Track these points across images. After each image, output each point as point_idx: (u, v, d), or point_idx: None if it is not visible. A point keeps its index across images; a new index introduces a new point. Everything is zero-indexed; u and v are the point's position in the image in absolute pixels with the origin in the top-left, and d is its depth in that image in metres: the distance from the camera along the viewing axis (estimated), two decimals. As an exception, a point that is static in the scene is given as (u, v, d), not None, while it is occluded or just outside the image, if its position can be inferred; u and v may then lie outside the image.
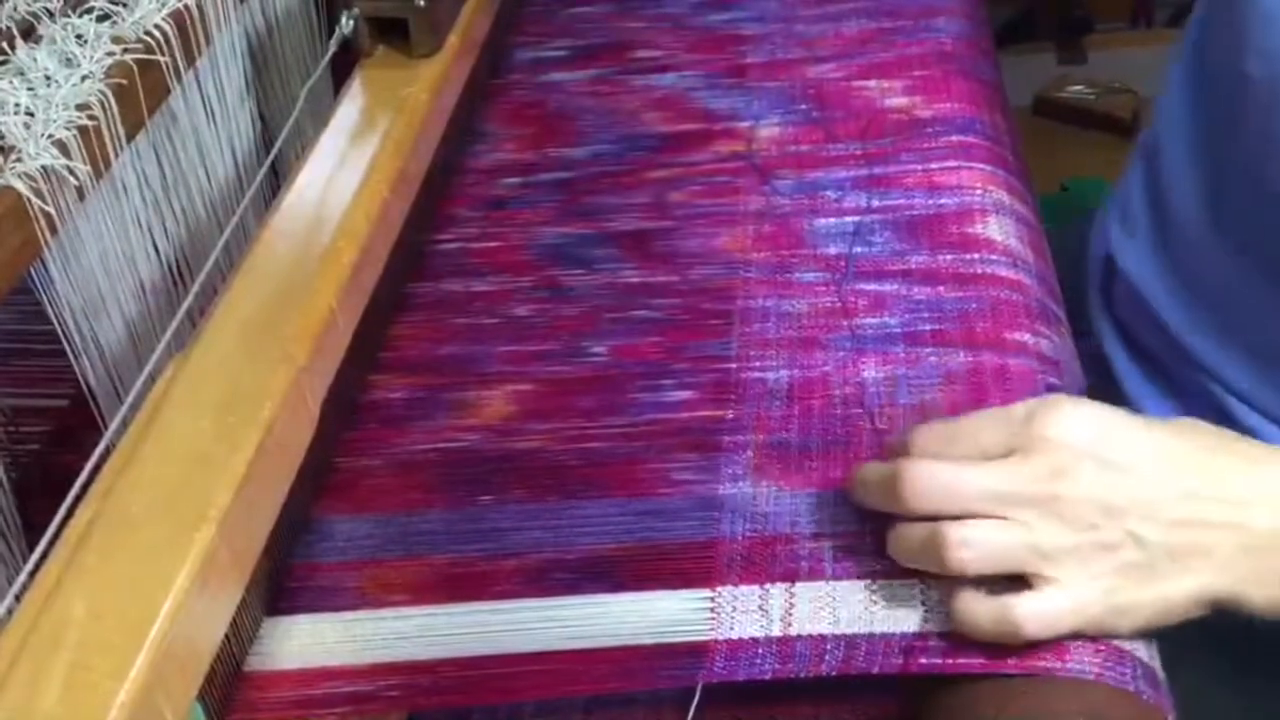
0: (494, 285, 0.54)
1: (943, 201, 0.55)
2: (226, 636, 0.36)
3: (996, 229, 0.54)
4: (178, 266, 0.48)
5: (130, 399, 0.37)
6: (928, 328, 0.49)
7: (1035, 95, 1.24)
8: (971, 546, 0.36)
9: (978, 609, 0.36)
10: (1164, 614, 0.37)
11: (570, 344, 0.50)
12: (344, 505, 0.45)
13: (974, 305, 0.49)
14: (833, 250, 0.54)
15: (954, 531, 0.36)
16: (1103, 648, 0.37)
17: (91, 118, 0.41)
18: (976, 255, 0.52)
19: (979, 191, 0.55)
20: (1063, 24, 1.30)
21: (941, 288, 0.50)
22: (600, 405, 0.47)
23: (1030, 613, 0.36)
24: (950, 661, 0.37)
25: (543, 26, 0.72)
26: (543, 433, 0.46)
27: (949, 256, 0.52)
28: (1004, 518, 0.36)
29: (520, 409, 0.48)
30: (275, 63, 0.57)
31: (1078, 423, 0.37)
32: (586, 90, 0.66)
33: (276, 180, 0.52)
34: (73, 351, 0.43)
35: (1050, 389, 0.46)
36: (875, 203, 0.56)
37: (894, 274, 0.52)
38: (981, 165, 0.57)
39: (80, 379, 0.44)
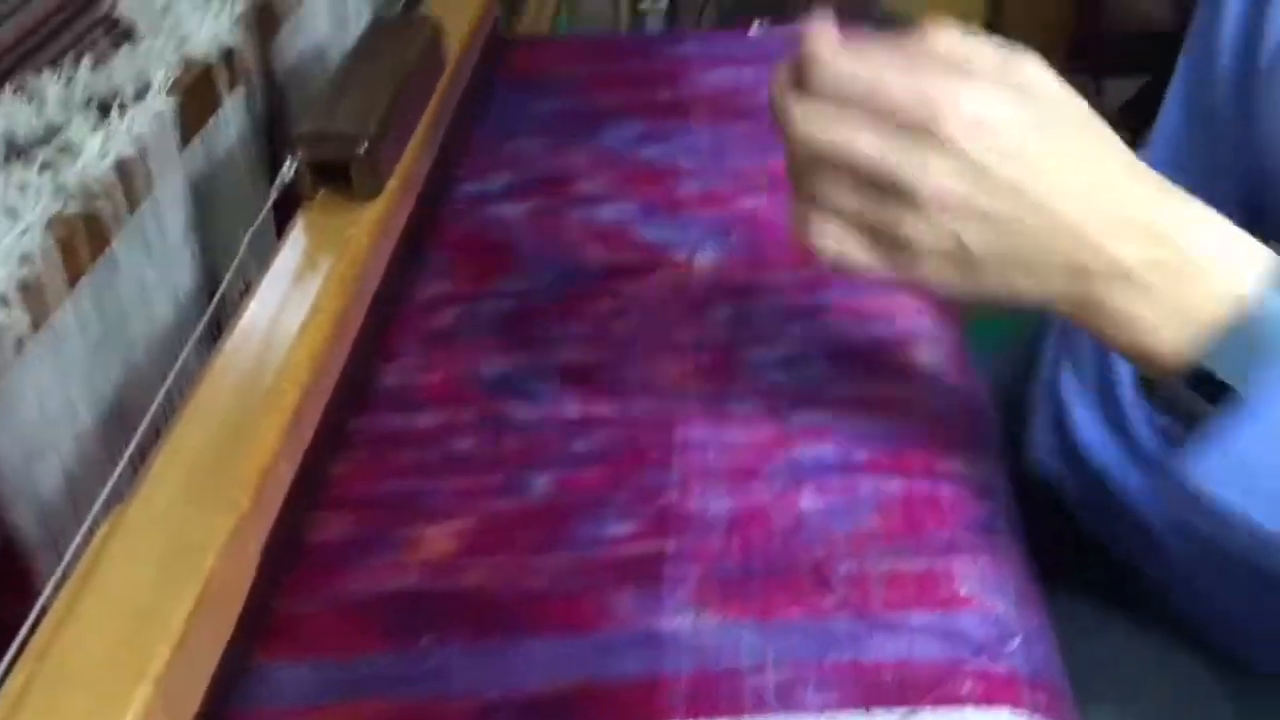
0: (436, 419, 0.55)
1: (874, 329, 0.57)
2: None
3: (927, 355, 0.55)
4: (118, 412, 0.48)
5: (70, 552, 0.37)
6: (863, 456, 0.50)
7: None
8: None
9: None
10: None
11: (513, 477, 0.51)
12: (283, 650, 0.44)
13: (907, 432, 0.51)
14: (769, 380, 0.55)
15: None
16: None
17: (33, 270, 0.42)
18: (908, 382, 0.54)
19: (909, 319, 0.57)
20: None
21: (875, 415, 0.52)
22: (543, 540, 0.48)
23: None
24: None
25: (483, 161, 0.74)
26: (485, 569, 0.46)
27: (881, 384, 0.54)
28: None
29: (462, 545, 0.48)
30: (216, 205, 0.58)
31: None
32: (527, 223, 0.68)
33: (218, 322, 0.53)
34: (7, 501, 0.43)
35: (981, 516, 0.47)
36: (809, 332, 0.57)
37: (828, 403, 0.53)
38: (911, 293, 0.59)
39: (14, 530, 0.43)
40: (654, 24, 1.52)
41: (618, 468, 0.51)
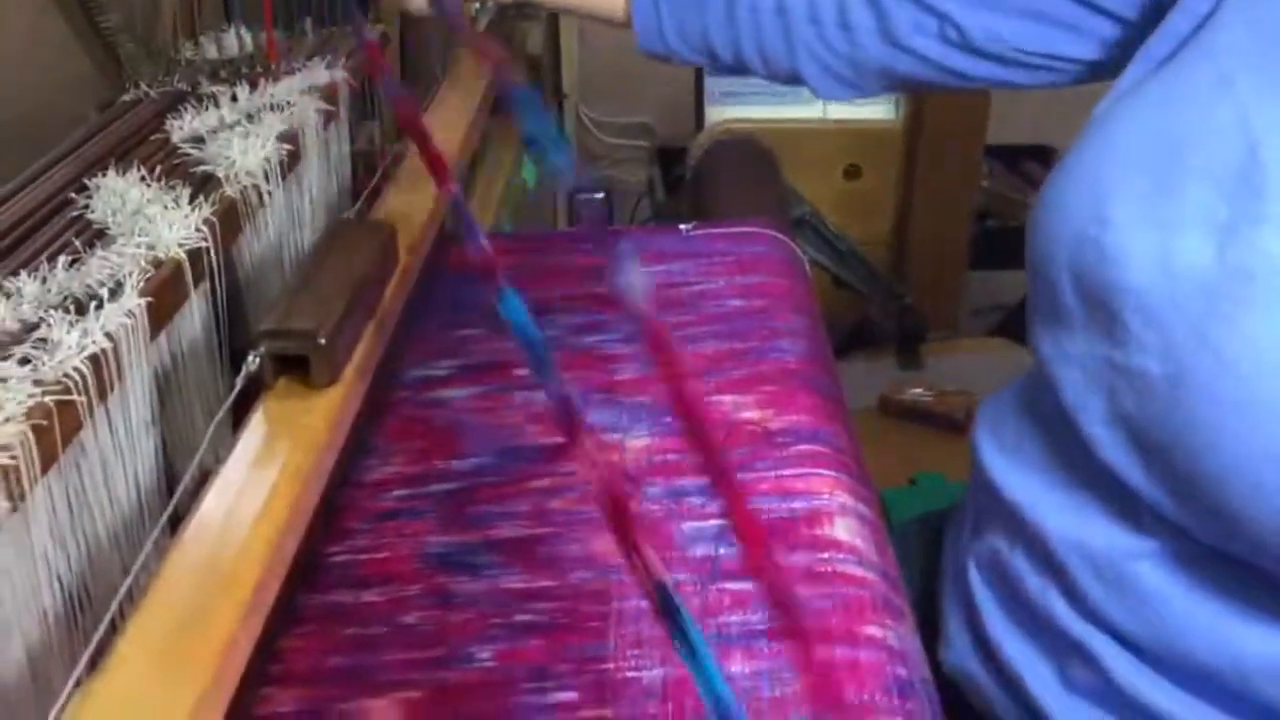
0: (382, 595, 0.57)
1: (794, 505, 0.61)
2: None
3: (843, 530, 0.60)
4: (80, 595, 0.50)
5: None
6: (785, 624, 0.53)
7: (880, 397, 1.37)
8: None
9: None
10: None
11: (457, 650, 0.53)
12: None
13: (827, 602, 0.54)
14: (699, 552, 0.59)
15: None
16: None
17: (12, 458, 0.45)
18: (826, 554, 0.58)
19: (826, 496, 0.62)
20: (899, 334, 1.45)
21: (797, 586, 0.56)
22: (487, 710, 0.50)
23: None
24: None
25: (429, 347, 0.78)
26: (432, 740, 0.49)
27: (802, 556, 0.58)
28: None
29: (410, 717, 0.50)
30: (179, 393, 0.62)
31: None
32: (470, 406, 0.72)
33: (176, 507, 0.56)
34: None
35: (898, 680, 0.50)
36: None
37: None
38: (827, 471, 0.64)
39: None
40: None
41: (559, 639, 0.54)
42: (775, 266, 0.85)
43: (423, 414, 0.72)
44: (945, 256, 1.55)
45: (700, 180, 1.33)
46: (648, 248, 0.90)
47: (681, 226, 0.91)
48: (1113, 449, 0.55)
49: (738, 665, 0.51)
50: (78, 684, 0.40)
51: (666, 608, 0.35)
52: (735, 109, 1.60)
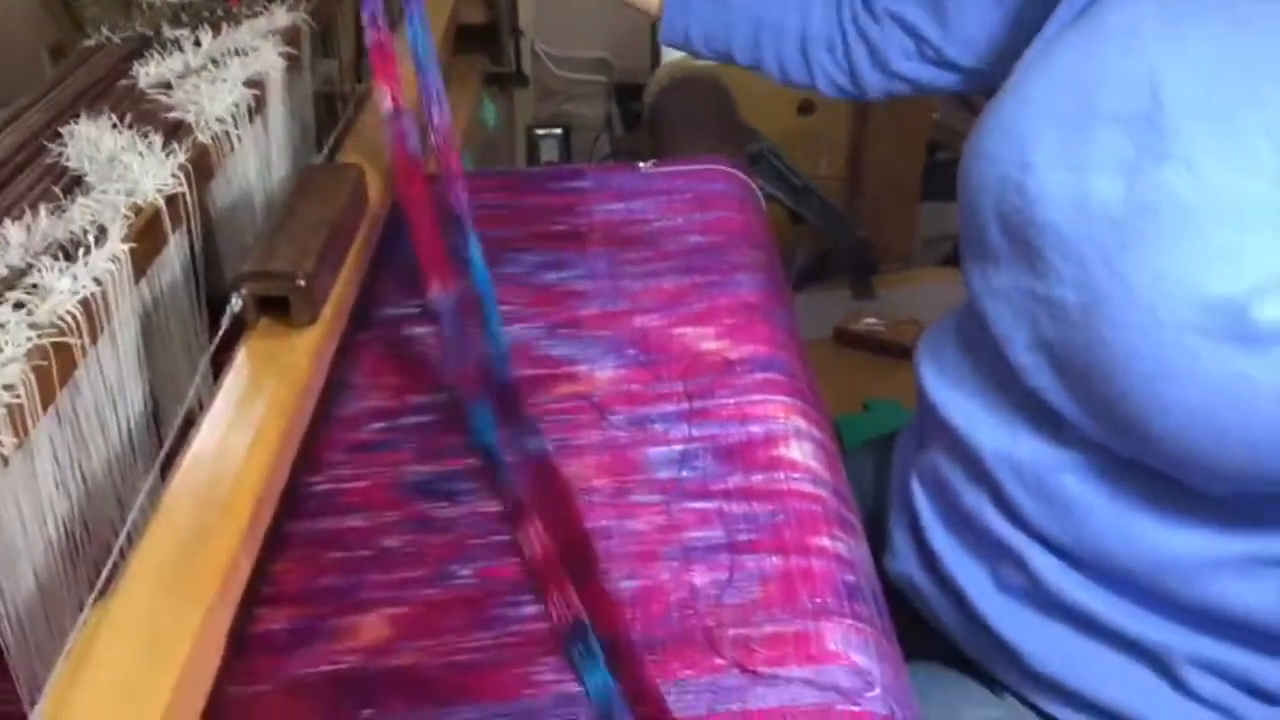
0: (364, 521, 0.61)
1: (752, 429, 0.65)
2: None
3: (797, 451, 0.64)
4: (81, 526, 0.53)
5: (67, 646, 0.42)
6: (744, 537, 0.58)
7: (835, 327, 1.41)
8: None
9: None
10: None
11: (438, 569, 0.57)
12: (234, 732, 0.49)
13: (781, 517, 0.59)
14: (663, 475, 0.63)
15: None
16: None
17: (16, 397, 0.47)
18: (781, 474, 0.62)
19: (781, 420, 0.66)
20: (853, 266, 1.49)
21: (754, 503, 0.60)
22: (467, 622, 0.54)
23: None
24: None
25: (400, 286, 0.81)
26: (417, 650, 0.53)
27: (759, 476, 0.62)
28: None
29: (395, 631, 0.54)
30: (161, 334, 0.64)
31: None
32: (439, 342, 0.75)
33: (160, 440, 0.59)
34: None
35: (848, 586, 0.55)
36: (696, 432, 0.65)
37: (715, 493, 0.61)
38: (782, 397, 0.68)
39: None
40: (549, 157, 1.63)
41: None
42: (732, 203, 0.88)
43: (395, 351, 0.75)
44: (898, 189, 1.58)
45: (658, 117, 1.35)
46: (608, 185, 0.92)
47: (640, 165, 0.94)
48: (1037, 374, 0.59)
49: (700, 577, 0.55)
50: (86, 607, 0.44)
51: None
52: (691, 45, 1.62)
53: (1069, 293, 0.57)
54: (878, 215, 1.59)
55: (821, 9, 0.82)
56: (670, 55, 1.43)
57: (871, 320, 1.39)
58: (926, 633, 0.70)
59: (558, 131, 1.68)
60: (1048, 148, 0.58)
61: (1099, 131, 0.57)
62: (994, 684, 0.68)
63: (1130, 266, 0.54)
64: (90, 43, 0.87)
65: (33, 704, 0.39)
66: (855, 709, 0.48)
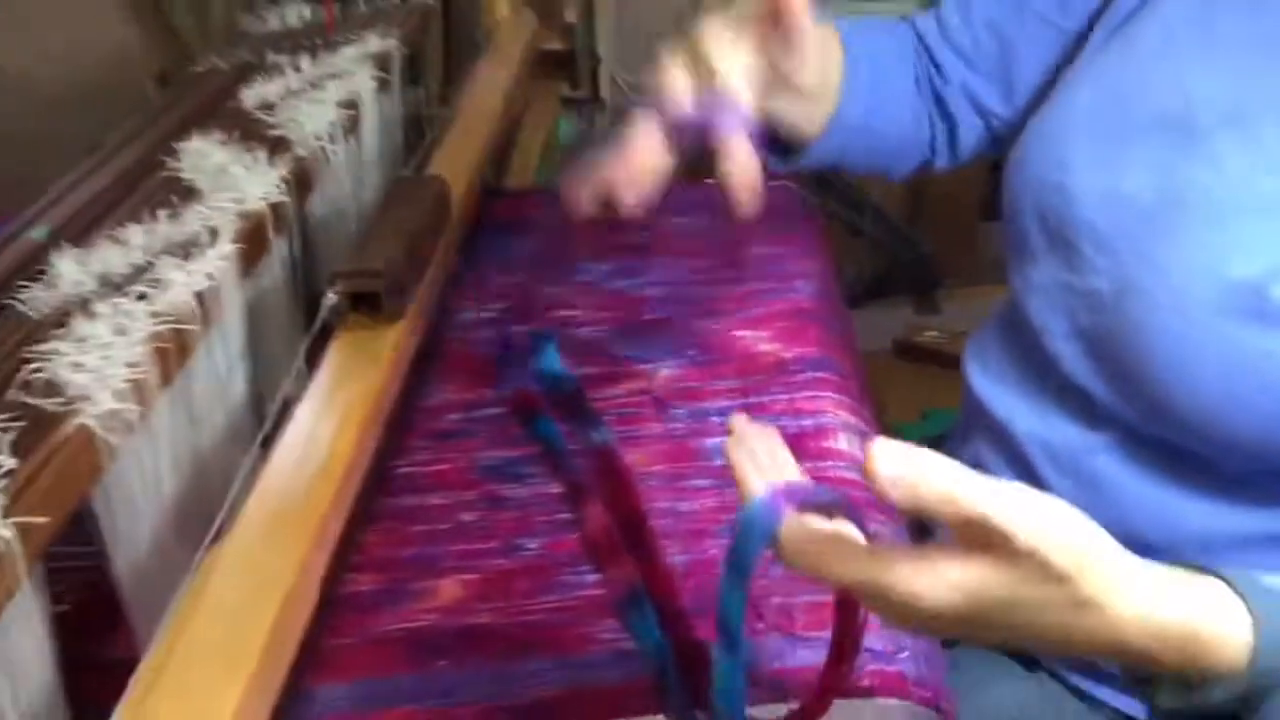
0: (443, 499, 0.66)
1: (803, 423, 0.70)
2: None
3: (844, 443, 0.68)
4: (191, 485, 0.60)
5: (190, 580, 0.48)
6: (791, 518, 0.62)
7: (894, 339, 1.44)
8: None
9: None
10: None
11: (508, 542, 0.62)
12: (327, 675, 0.55)
13: (827, 500, 0.63)
14: (718, 462, 0.67)
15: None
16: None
17: (142, 373, 0.54)
18: (829, 463, 0.66)
19: (830, 415, 0.70)
20: (915, 281, 1.52)
21: (802, 488, 0.64)
22: (534, 587, 0.59)
23: None
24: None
25: (479, 291, 0.87)
26: (489, 612, 0.58)
27: (808, 465, 0.66)
28: None
29: (469, 594, 0.59)
30: (262, 326, 0.71)
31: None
32: (515, 342, 0.81)
33: (260, 419, 0.65)
34: (114, 554, 0.54)
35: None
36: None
37: (765, 479, 0.65)
38: (831, 394, 0.72)
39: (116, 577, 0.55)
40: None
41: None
42: (790, 217, 0.92)
43: (474, 350, 0.80)
44: (959, 208, 1.61)
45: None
46: (677, 200, 0.97)
47: (708, 181, 0.99)
48: (1074, 360, 0.63)
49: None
50: (201, 550, 0.50)
51: None
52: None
53: (1103, 282, 0.61)
54: (940, 233, 1.62)
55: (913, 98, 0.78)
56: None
57: (932, 333, 1.42)
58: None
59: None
60: (1085, 151, 0.63)
61: (1134, 135, 0.61)
62: (1028, 661, 0.71)
63: (1160, 255, 0.58)
64: (200, 68, 0.96)
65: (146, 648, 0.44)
66: (887, 668, 0.52)
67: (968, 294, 1.54)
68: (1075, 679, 0.69)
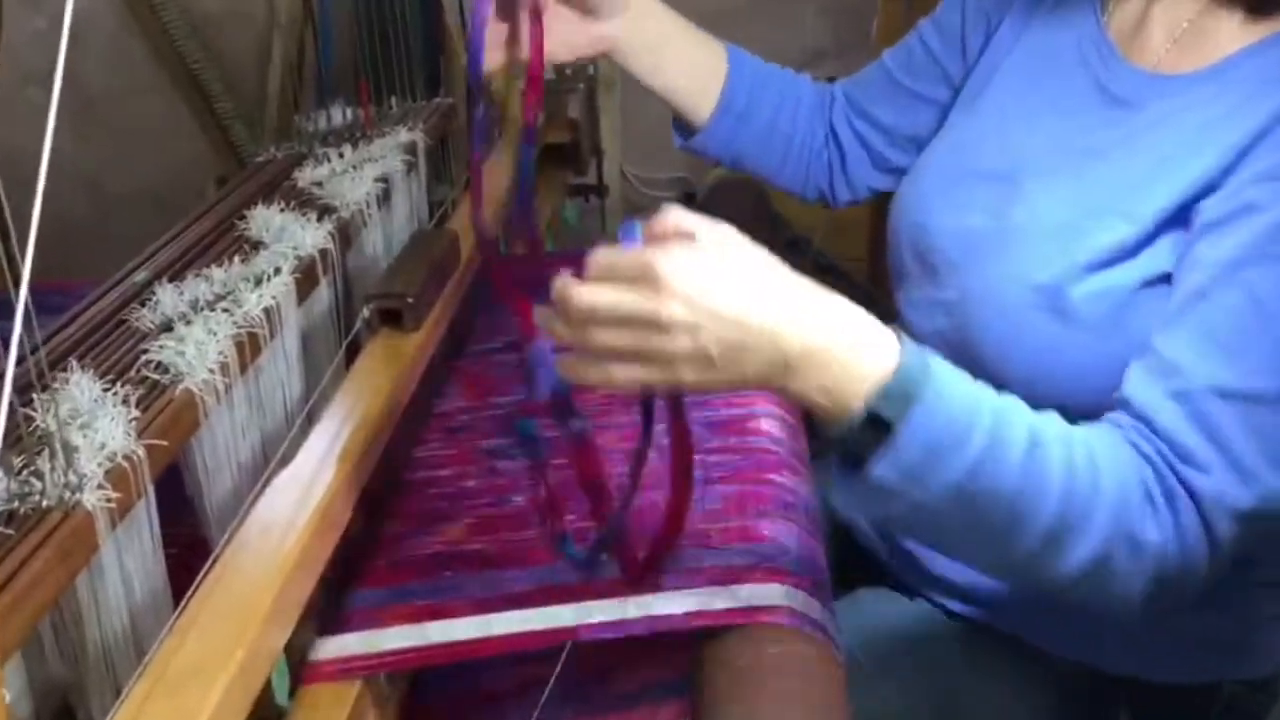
0: (453, 472, 0.85)
1: (735, 411, 0.88)
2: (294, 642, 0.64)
3: (766, 424, 0.86)
4: (260, 450, 0.79)
5: (244, 509, 0.67)
6: (716, 474, 0.80)
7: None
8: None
9: None
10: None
11: (498, 497, 0.81)
12: (366, 585, 0.73)
13: (745, 463, 0.81)
14: (666, 442, 0.85)
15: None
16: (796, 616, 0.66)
17: (226, 363, 0.73)
18: (751, 438, 0.84)
19: (759, 405, 0.88)
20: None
21: (728, 455, 0.82)
22: (516, 525, 0.77)
23: None
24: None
25: (488, 333, 1.06)
26: (483, 542, 0.76)
27: (734, 439, 0.84)
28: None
29: (470, 532, 0.77)
30: (313, 338, 0.91)
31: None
32: (515, 367, 1.00)
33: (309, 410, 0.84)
34: (203, 499, 0.73)
35: (784, 502, 0.76)
36: (695, 414, 0.88)
37: (701, 450, 0.83)
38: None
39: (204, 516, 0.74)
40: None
41: (570, 489, 0.80)
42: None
43: (482, 371, 1.00)
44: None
45: (708, 212, 1.59)
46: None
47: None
48: (938, 353, 0.81)
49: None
50: (267, 482, 0.69)
51: None
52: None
53: (952, 294, 0.80)
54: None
55: (810, 112, 1.03)
56: (725, 165, 1.70)
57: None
58: (866, 564, 0.90)
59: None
60: (939, 197, 0.83)
61: (975, 183, 0.81)
62: (908, 589, 0.88)
63: (989, 270, 0.77)
64: (261, 159, 1.17)
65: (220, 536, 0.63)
66: (771, 566, 0.70)
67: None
68: (944, 600, 0.86)
